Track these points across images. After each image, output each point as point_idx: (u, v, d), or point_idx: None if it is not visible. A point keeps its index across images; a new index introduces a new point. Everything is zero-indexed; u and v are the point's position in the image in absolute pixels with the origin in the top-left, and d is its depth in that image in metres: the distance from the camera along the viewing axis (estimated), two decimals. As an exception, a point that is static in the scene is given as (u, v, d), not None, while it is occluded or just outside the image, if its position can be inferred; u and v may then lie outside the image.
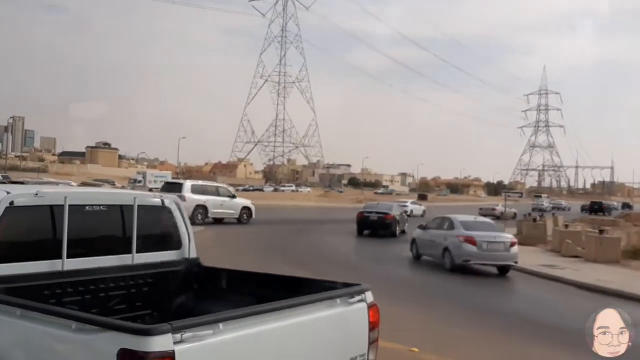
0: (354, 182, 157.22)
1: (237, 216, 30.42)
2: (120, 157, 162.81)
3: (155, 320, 4.67)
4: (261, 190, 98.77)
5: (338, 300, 3.94)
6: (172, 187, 28.76)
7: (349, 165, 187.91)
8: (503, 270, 17.03)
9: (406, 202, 52.95)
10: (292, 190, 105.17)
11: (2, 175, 54.70)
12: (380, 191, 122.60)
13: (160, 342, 2.85)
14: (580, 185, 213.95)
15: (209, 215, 28.88)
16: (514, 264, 16.94)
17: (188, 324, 2.99)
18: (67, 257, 4.40)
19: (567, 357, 8.22)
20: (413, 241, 19.87)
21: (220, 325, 3.09)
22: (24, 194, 4.34)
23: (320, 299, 3.85)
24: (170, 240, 5.22)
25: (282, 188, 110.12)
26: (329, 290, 4.12)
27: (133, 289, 4.85)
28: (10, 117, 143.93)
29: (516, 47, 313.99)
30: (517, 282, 16.38)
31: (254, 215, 31.33)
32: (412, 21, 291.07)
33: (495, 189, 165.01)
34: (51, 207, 4.41)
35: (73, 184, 44.51)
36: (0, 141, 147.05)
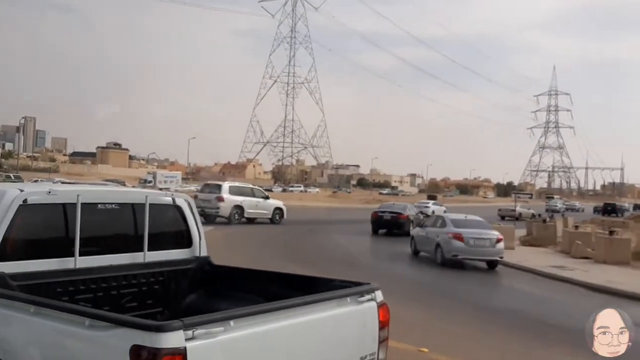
0: (362, 183, 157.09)
1: (270, 216, 31.11)
2: (130, 157, 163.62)
3: (166, 317, 4.71)
4: (270, 190, 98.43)
5: (348, 299, 3.95)
6: (211, 188, 30.08)
7: (357, 166, 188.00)
8: (491, 264, 18.07)
9: (428, 202, 54.25)
10: (301, 191, 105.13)
11: (14, 175, 55.12)
12: (385, 191, 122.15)
13: (172, 339, 2.88)
14: (590, 187, 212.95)
15: (245, 215, 29.67)
16: (499, 259, 18.09)
17: (199, 321, 3.01)
18: (80, 255, 4.44)
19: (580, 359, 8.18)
20: (412, 238, 21.30)
21: (231, 322, 3.11)
22: (37, 192, 4.38)
23: (330, 298, 3.87)
24: (181, 238, 5.25)
25: (290, 188, 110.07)
26: (339, 289, 4.14)
27: (144, 286, 4.89)
28: (22, 118, 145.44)
29: (526, 47, 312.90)
30: (526, 282, 16.32)
31: (285, 216, 31.95)
32: (421, 21, 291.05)
33: (505, 190, 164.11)
34: (64, 205, 4.45)
35: (127, 184, 44.61)
36: (12, 141, 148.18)
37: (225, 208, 28.86)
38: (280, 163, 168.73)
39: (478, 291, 14.81)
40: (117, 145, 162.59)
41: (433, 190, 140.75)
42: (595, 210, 74.82)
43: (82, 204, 4.44)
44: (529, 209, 53.07)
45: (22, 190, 4.27)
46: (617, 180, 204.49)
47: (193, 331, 2.94)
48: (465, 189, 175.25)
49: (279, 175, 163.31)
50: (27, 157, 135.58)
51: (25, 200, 4.20)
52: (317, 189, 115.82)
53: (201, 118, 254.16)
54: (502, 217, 46.92)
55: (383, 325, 4.12)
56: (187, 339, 2.91)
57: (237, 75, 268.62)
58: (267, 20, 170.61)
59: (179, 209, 5.25)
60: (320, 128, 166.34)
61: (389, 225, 29.14)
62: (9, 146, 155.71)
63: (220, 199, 28.80)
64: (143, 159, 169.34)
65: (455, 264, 17.85)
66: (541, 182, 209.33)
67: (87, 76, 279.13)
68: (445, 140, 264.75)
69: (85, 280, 4.47)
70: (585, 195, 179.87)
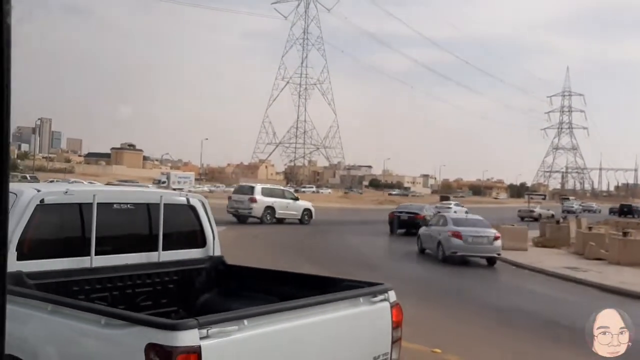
0: (375, 184, 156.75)
1: (299, 217, 31.96)
2: (144, 158, 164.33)
3: (180, 316, 4.75)
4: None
5: (361, 299, 3.97)
6: (245, 190, 31.30)
7: (370, 167, 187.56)
8: (490, 261, 18.91)
9: (450, 203, 55.00)
10: (313, 192, 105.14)
11: (29, 176, 55.61)
12: (394, 192, 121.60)
13: (186, 337, 2.91)
14: (604, 188, 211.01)
15: (276, 215, 30.58)
16: (497, 255, 18.90)
17: (214, 320, 3.04)
18: (96, 254, 4.50)
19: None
20: (418, 237, 22.23)
21: (245, 321, 3.14)
22: (54, 192, 4.44)
23: (344, 298, 3.89)
24: (195, 238, 5.30)
25: (302, 189, 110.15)
26: (352, 289, 4.16)
27: (159, 286, 4.93)
28: (38, 119, 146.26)
29: (539, 48, 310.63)
30: (538, 283, 16.23)
31: (313, 217, 32.79)
32: (434, 23, 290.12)
33: (518, 191, 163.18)
34: (80, 205, 4.50)
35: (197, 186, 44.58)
36: (28, 142, 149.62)
37: (257, 209, 29.94)
38: (292, 164, 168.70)
39: (489, 292, 14.75)
40: (131, 146, 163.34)
41: (445, 191, 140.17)
42: (611, 211, 74.20)
43: (97, 203, 4.50)
44: (548, 210, 52.97)
45: (39, 191, 4.33)
46: (631, 182, 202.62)
47: (207, 330, 2.96)
48: (478, 190, 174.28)
49: (291, 176, 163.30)
50: (43, 158, 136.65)
51: (42, 200, 4.26)
52: (330, 190, 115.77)
53: (214, 119, 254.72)
54: (522, 218, 46.82)
55: (396, 325, 4.13)
56: (201, 338, 2.94)
57: (249, 77, 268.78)
58: (279, 22, 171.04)
59: (193, 209, 5.29)
60: (332, 129, 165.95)
61: (406, 225, 29.58)
62: (24, 147, 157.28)
63: (253, 200, 29.90)
64: (157, 160, 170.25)
65: (461, 262, 18.57)
66: (554, 183, 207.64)
67: (102, 78, 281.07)
68: (458, 141, 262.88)
69: (101, 279, 4.52)
70: (599, 196, 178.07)
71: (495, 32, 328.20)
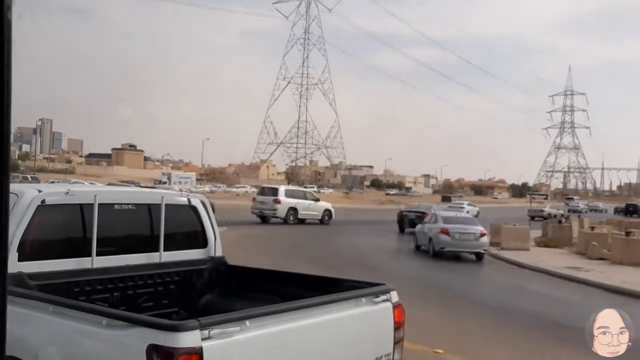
0: (376, 184, 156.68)
1: (320, 218, 33.00)
2: (145, 158, 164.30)
3: (182, 317, 4.74)
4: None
5: (363, 300, 3.96)
6: (268, 192, 32.56)
7: (371, 167, 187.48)
8: (478, 256, 19.97)
9: (463, 203, 56.20)
10: (314, 192, 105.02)
11: (30, 177, 55.65)
12: (393, 192, 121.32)
13: (188, 339, 2.90)
14: (607, 187, 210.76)
15: (298, 216, 31.65)
16: (483, 251, 20.02)
17: (215, 321, 3.03)
18: (97, 255, 4.49)
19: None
20: (414, 234, 23.39)
21: (247, 322, 3.13)
22: (55, 193, 4.43)
23: (346, 298, 3.88)
24: (196, 239, 5.29)
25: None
26: (354, 289, 4.14)
27: (160, 286, 4.92)
28: (39, 120, 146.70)
29: (540, 48, 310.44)
30: (540, 283, 16.20)
31: (333, 217, 33.80)
32: (435, 23, 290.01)
33: (520, 190, 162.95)
34: (81, 205, 4.50)
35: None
36: (29, 143, 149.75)
37: (281, 210, 31.03)
38: (293, 164, 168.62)
39: (491, 292, 14.73)
40: (132, 147, 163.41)
41: (447, 191, 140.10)
42: (617, 210, 74.05)
43: (99, 204, 4.49)
44: (558, 209, 52.98)
45: (40, 191, 4.32)
46: (634, 181, 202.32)
47: (209, 331, 2.96)
48: (480, 189, 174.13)
49: (292, 176, 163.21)
50: (44, 158, 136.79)
51: (43, 201, 4.26)
52: (331, 190, 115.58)
53: (216, 119, 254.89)
54: (532, 218, 46.85)
55: (398, 325, 4.12)
56: (203, 339, 2.93)
57: (251, 77, 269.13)
58: (280, 22, 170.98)
59: (194, 209, 5.29)
60: (333, 129, 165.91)
61: (413, 224, 29.96)
62: (25, 148, 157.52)
63: (277, 202, 31.00)
64: (158, 160, 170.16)
65: (451, 257, 19.70)
66: (556, 183, 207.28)
67: (103, 78, 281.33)
68: (459, 141, 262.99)
69: (102, 280, 4.51)
70: (601, 195, 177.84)
71: (497, 31, 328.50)
